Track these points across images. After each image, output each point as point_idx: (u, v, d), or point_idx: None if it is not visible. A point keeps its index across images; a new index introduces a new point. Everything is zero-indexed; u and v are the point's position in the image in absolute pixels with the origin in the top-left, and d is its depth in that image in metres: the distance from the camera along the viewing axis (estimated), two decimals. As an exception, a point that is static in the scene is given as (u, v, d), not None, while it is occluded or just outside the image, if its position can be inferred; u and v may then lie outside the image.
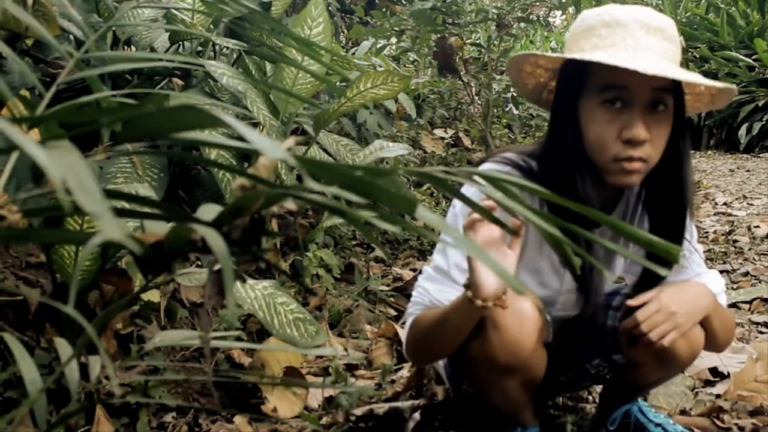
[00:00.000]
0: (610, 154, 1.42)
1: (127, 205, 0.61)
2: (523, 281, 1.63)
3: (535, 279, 1.64)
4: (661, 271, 0.61)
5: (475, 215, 1.35)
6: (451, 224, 1.40)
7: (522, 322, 1.47)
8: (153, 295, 1.95)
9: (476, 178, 0.63)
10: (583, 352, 1.76)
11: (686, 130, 1.50)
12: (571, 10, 6.83)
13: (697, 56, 9.80)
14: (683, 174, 1.51)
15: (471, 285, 1.37)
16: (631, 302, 1.54)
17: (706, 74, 9.59)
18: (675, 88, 1.44)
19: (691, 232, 1.63)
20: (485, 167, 1.60)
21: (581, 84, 1.45)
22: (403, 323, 2.32)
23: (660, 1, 11.45)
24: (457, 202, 1.60)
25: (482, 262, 0.52)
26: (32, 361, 0.67)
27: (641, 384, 1.77)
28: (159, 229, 0.61)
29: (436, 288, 1.56)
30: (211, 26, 2.37)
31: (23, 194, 0.51)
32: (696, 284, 1.60)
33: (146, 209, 0.58)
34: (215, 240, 0.51)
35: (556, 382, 1.79)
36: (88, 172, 0.40)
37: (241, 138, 0.47)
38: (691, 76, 1.38)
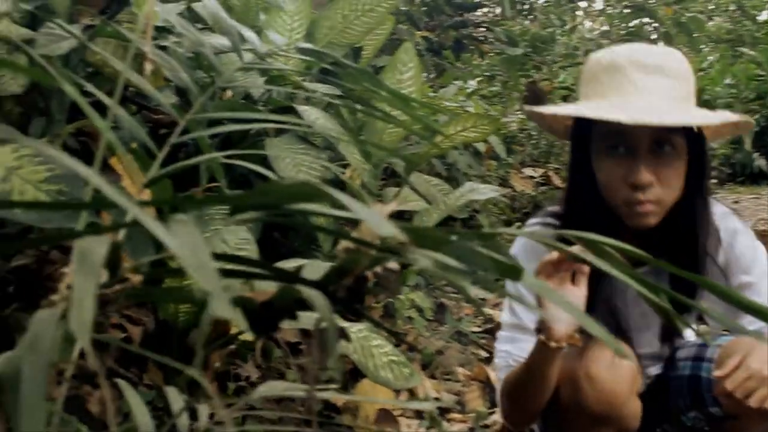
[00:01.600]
0: (620, 199, 1.44)
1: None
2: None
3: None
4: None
5: (548, 258, 1.35)
6: None
7: (616, 372, 1.45)
8: (250, 335, 2.00)
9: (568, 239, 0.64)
10: (678, 404, 1.71)
11: (704, 167, 1.49)
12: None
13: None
14: (696, 214, 1.49)
15: (542, 328, 1.38)
16: (717, 374, 1.45)
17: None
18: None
19: (755, 252, 1.59)
20: (531, 222, 1.68)
21: (589, 132, 1.48)
22: (495, 367, 2.31)
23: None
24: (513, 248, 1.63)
25: (557, 303, 0.53)
26: (145, 408, 0.71)
27: (741, 437, 1.71)
28: (267, 286, 0.64)
29: (514, 346, 1.56)
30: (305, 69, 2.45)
31: (145, 259, 0.56)
32: None
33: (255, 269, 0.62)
34: (321, 303, 0.54)
35: (652, 436, 1.74)
36: (205, 249, 0.43)
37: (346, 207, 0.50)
38: (678, 118, 1.38)
